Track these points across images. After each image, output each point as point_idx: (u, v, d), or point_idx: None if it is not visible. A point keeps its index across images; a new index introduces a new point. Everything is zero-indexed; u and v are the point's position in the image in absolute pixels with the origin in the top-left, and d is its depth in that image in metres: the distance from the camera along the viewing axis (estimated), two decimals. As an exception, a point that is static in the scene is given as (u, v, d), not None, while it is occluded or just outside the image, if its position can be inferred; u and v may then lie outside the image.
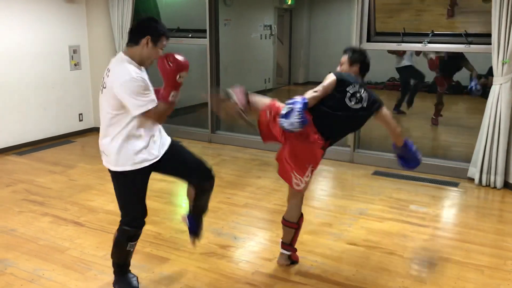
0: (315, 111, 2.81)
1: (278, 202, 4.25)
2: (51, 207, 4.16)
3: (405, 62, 7.48)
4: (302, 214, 3.09)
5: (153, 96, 2.51)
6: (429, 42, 5.01)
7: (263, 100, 3.00)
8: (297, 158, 2.88)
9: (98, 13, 6.61)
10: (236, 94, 2.90)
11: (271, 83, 11.07)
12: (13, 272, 3.07)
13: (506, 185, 4.63)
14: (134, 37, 2.54)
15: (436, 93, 7.28)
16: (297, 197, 3.04)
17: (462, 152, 5.64)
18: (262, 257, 3.30)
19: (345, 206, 4.21)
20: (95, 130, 6.76)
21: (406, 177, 4.96)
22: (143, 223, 2.75)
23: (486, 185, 4.69)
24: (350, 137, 5.33)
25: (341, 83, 2.85)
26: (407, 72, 7.58)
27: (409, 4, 7.00)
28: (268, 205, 4.22)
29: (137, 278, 2.88)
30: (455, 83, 8.74)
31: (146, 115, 2.48)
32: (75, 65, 6.60)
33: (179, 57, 2.46)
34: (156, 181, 4.70)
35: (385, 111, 2.97)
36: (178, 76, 2.44)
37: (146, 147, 2.58)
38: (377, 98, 2.96)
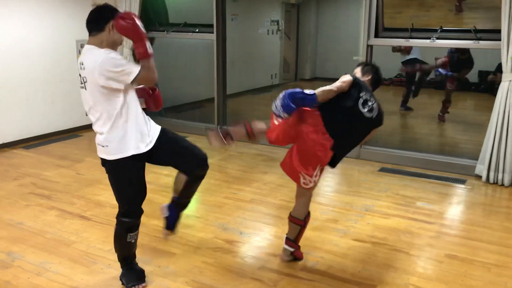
0: (327, 106, 2.82)
1: (284, 197, 4.25)
2: (58, 201, 4.18)
3: (411, 56, 7.49)
4: (309, 213, 3.09)
5: (132, 62, 2.53)
6: (437, 38, 4.97)
7: (264, 124, 3.02)
8: (304, 158, 2.88)
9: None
10: (234, 132, 2.98)
11: (278, 79, 11.05)
12: (20, 265, 3.09)
13: (514, 182, 4.60)
14: (97, 25, 2.54)
15: (444, 89, 7.23)
16: (305, 195, 3.03)
17: (469, 149, 5.61)
18: (268, 252, 3.30)
19: (351, 202, 4.21)
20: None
21: (413, 173, 4.94)
22: (141, 212, 2.75)
23: (494, 183, 4.66)
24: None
25: (357, 86, 2.89)
26: (413, 64, 7.58)
27: (418, -1, 6.96)
28: (274, 201, 4.21)
29: (144, 271, 2.89)
30: (464, 80, 8.69)
31: (138, 78, 2.48)
32: (82, 59, 6.61)
33: (127, 12, 2.49)
34: (163, 175, 4.74)
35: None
36: (140, 26, 2.44)
37: (137, 135, 2.59)
38: (383, 114, 3.01)
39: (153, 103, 2.90)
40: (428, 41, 5.06)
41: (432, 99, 8.65)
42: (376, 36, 5.22)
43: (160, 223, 3.68)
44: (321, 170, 2.94)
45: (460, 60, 6.84)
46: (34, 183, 4.60)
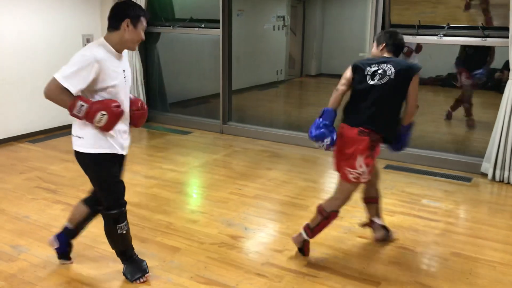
0: (349, 98, 2.99)
1: (288, 194, 4.25)
2: (64, 195, 4.20)
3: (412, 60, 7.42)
4: (337, 212, 3.04)
5: (81, 80, 2.48)
6: (444, 35, 4.94)
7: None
8: (342, 152, 2.94)
9: (112, 2, 6.61)
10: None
11: (283, 75, 11.03)
12: (26, 258, 3.11)
13: (520, 181, 4.58)
14: (114, 22, 2.54)
15: (463, 89, 6.98)
16: (341, 191, 3.03)
17: (475, 147, 5.58)
18: (272, 248, 3.30)
19: (356, 199, 4.17)
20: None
21: (419, 171, 4.93)
22: (125, 202, 2.76)
23: (500, 181, 4.64)
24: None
25: (357, 69, 2.98)
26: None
27: (426, -4, 6.90)
28: (278, 197, 4.21)
29: (146, 262, 2.92)
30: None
31: (51, 81, 2.54)
32: (89, 54, 6.61)
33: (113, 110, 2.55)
34: (167, 171, 4.75)
35: (416, 80, 2.87)
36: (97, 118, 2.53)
37: (115, 136, 2.66)
38: (410, 65, 2.92)
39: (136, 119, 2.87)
40: (435, 38, 5.03)
41: (437, 96, 8.61)
42: (383, 32, 5.18)
43: (165, 218, 3.71)
44: (368, 160, 2.90)
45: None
46: (40, 177, 4.62)
